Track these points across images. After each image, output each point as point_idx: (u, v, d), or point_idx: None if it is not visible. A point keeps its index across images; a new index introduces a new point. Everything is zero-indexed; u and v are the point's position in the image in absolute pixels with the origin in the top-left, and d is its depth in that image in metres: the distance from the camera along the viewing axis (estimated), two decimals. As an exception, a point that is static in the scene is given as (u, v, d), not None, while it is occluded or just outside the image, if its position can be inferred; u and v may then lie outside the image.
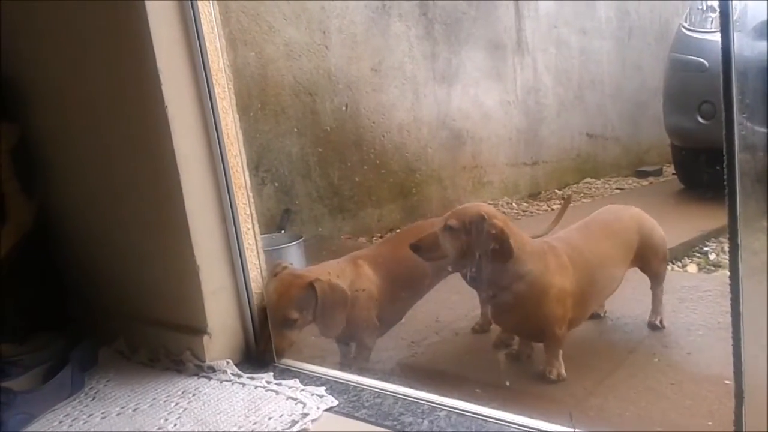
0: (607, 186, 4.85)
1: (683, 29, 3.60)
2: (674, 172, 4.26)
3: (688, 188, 4.02)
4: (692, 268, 2.70)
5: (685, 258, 2.79)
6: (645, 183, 4.87)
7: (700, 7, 3.53)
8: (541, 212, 4.11)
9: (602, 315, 2.00)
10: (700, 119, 3.36)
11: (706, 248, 2.86)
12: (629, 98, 5.50)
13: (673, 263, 2.73)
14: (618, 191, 4.68)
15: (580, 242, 1.76)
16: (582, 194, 4.59)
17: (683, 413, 1.50)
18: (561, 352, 1.65)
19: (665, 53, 3.93)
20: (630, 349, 1.83)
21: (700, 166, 3.72)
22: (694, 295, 2.17)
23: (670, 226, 3.19)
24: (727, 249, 0.97)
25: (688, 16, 3.59)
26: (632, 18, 5.53)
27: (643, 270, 1.91)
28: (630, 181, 4.96)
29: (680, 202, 4.00)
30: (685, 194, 4.03)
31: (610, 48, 5.40)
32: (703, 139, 3.39)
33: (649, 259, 1.88)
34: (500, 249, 1.57)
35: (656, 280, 1.93)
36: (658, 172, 4.99)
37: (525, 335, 1.75)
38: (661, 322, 1.91)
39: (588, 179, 5.03)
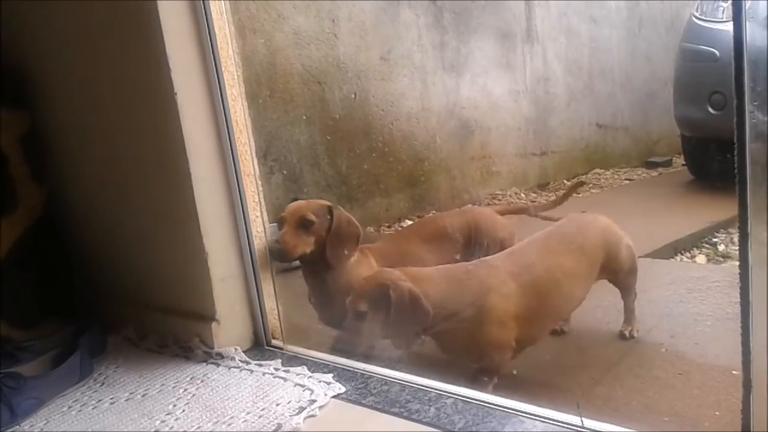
0: (616, 177, 4.84)
1: (694, 19, 3.57)
2: (684, 162, 4.25)
3: (698, 179, 4.01)
4: (701, 259, 2.69)
5: (694, 249, 2.78)
6: (654, 174, 4.86)
7: (711, -4, 3.51)
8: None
9: (564, 331, 1.91)
10: (710, 110, 3.34)
11: (715, 239, 2.85)
12: (639, 88, 5.48)
13: (682, 254, 2.73)
14: (627, 182, 4.67)
15: (534, 258, 1.68)
16: (591, 185, 4.58)
17: (690, 403, 1.50)
18: (495, 379, 1.54)
19: (676, 43, 3.91)
20: (637, 339, 1.83)
21: (710, 157, 3.71)
22: (703, 285, 2.16)
23: (679, 217, 3.20)
24: (736, 240, 0.96)
25: (699, 5, 3.56)
26: (642, 7, 5.50)
27: (611, 282, 1.85)
28: (639, 172, 4.95)
29: (690, 193, 3.99)
30: (694, 185, 4.01)
31: (621, 37, 5.37)
32: (713, 130, 3.38)
33: (616, 272, 1.82)
34: (415, 311, 1.49)
35: (625, 291, 1.86)
36: (668, 163, 4.98)
37: (468, 360, 1.64)
38: (631, 333, 1.84)
39: (597, 170, 5.01)
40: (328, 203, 1.73)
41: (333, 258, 1.69)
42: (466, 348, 1.57)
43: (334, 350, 1.66)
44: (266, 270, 1.71)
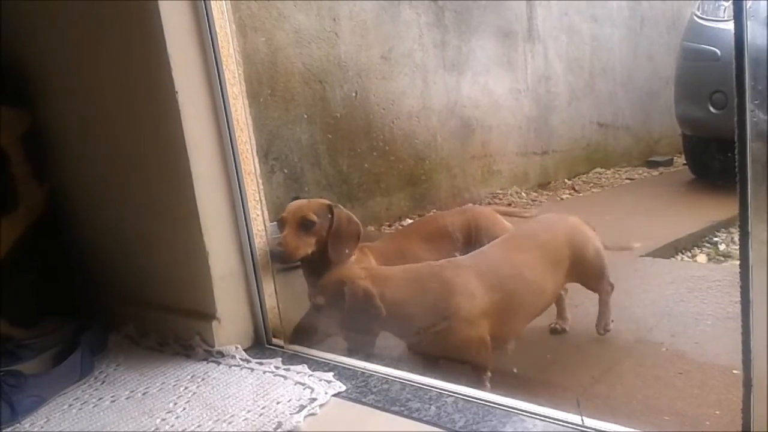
0: (617, 176, 4.83)
1: (696, 18, 3.57)
2: (685, 162, 4.24)
3: (699, 178, 4.00)
4: (702, 258, 2.69)
5: (695, 248, 2.78)
6: (655, 173, 4.85)
7: (712, -5, 3.50)
8: (550, 202, 4.11)
9: (565, 329, 1.92)
10: (711, 109, 3.33)
11: (715, 238, 2.85)
12: (640, 87, 5.47)
13: (683, 253, 2.73)
14: (628, 181, 4.66)
15: (500, 257, 1.70)
16: (592, 184, 4.58)
17: (691, 402, 1.50)
18: (489, 374, 1.55)
19: (677, 42, 3.91)
20: (638, 338, 1.83)
21: (711, 156, 3.70)
22: (703, 285, 2.16)
23: (680, 216, 3.20)
24: (736, 239, 0.96)
25: (700, 4, 3.56)
26: (644, 6, 5.49)
27: (582, 284, 1.85)
28: (640, 171, 4.94)
29: (690, 192, 3.98)
30: (695, 184, 4.01)
31: (622, 36, 5.36)
32: (714, 129, 3.38)
33: (584, 274, 1.81)
34: (368, 309, 1.52)
35: (597, 291, 1.85)
36: (669, 162, 4.97)
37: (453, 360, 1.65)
38: (605, 328, 1.83)
39: (598, 169, 5.00)
40: (329, 202, 1.73)
41: (335, 256, 1.69)
42: (442, 349, 1.58)
43: (296, 333, 1.69)
44: (267, 268, 1.71)
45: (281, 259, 1.68)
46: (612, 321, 1.83)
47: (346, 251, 1.71)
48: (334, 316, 1.58)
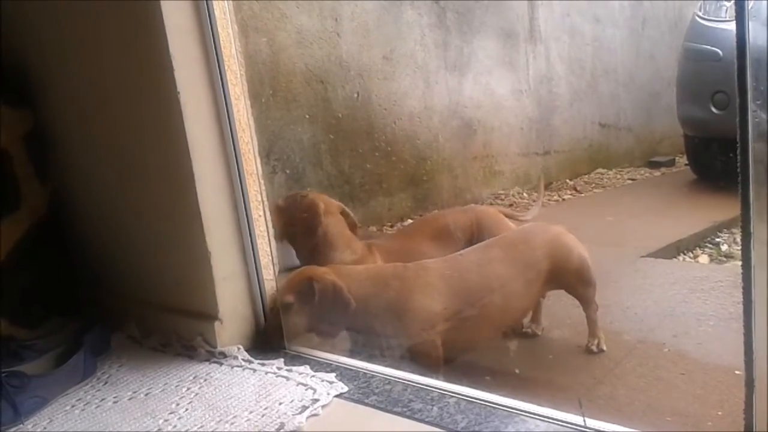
0: (619, 176, 4.83)
1: (697, 18, 3.57)
2: (687, 162, 4.24)
3: (701, 179, 4.00)
4: (704, 258, 2.69)
5: (697, 249, 2.78)
6: (657, 173, 4.86)
7: (714, -5, 3.51)
8: (552, 202, 4.11)
9: (538, 333, 1.94)
10: (713, 109, 3.34)
11: (718, 239, 2.85)
12: (642, 88, 5.47)
13: (685, 254, 2.73)
14: (630, 182, 4.66)
15: (471, 263, 1.72)
16: (594, 185, 4.58)
17: (693, 403, 1.50)
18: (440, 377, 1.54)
19: (679, 42, 3.91)
20: (640, 338, 1.83)
21: (713, 157, 3.70)
22: (706, 285, 2.16)
23: (682, 217, 3.20)
24: (738, 240, 0.96)
25: (702, 5, 3.56)
26: (646, 7, 5.49)
27: (567, 292, 1.84)
28: (642, 172, 4.94)
29: (692, 193, 3.99)
30: (697, 185, 4.01)
31: (624, 37, 5.36)
32: (716, 129, 3.38)
33: (569, 283, 1.81)
34: (337, 301, 1.58)
35: (584, 303, 1.84)
36: (671, 163, 4.98)
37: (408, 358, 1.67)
38: (598, 345, 1.80)
39: (600, 169, 5.00)
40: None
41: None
42: (400, 347, 1.61)
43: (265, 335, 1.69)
44: (269, 269, 1.71)
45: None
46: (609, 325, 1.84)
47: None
48: (303, 313, 1.62)
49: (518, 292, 1.73)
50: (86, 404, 1.48)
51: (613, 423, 1.17)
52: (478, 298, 1.65)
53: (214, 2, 1.56)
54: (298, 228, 1.88)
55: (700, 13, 3.55)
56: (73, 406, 1.48)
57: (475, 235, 1.98)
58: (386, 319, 1.58)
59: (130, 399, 1.48)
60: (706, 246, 2.80)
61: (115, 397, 1.49)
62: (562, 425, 1.18)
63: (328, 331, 1.63)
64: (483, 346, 1.76)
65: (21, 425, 1.42)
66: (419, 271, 1.66)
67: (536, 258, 1.76)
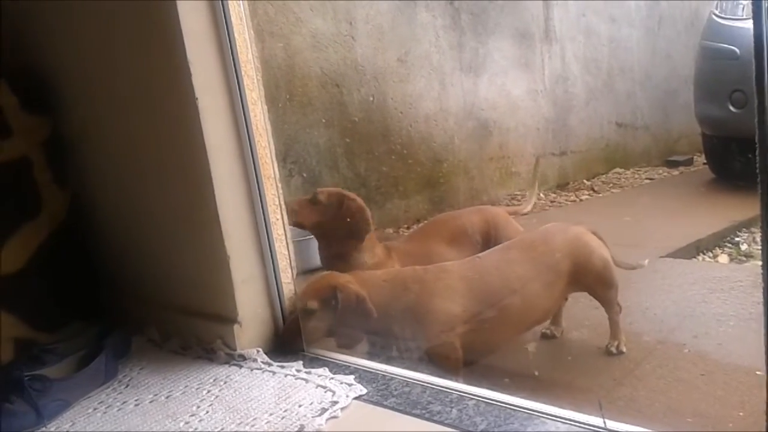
0: (636, 176, 4.80)
1: (714, 16, 3.55)
2: (705, 161, 4.21)
3: (720, 178, 3.97)
4: (723, 258, 2.67)
5: (716, 248, 2.76)
6: (675, 173, 4.82)
7: (731, -7, 3.48)
8: (569, 203, 4.09)
9: (557, 335, 1.93)
10: (731, 108, 3.31)
11: (737, 239, 2.83)
12: (659, 87, 5.43)
13: (704, 254, 2.71)
14: (648, 181, 4.63)
15: (492, 265, 1.71)
16: (611, 184, 4.55)
17: (714, 404, 1.49)
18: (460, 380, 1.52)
19: (696, 41, 3.89)
20: (660, 339, 1.82)
21: (732, 156, 3.68)
22: (725, 285, 2.15)
23: (701, 217, 3.18)
24: (758, 240, 0.95)
25: (719, 3, 3.54)
26: (662, 6, 5.46)
27: (590, 294, 1.83)
28: (660, 171, 4.91)
29: (711, 192, 3.95)
30: (716, 184, 3.98)
31: (640, 36, 5.33)
32: (734, 128, 3.36)
33: (590, 284, 1.79)
34: (360, 312, 1.59)
35: (606, 305, 1.82)
36: (689, 162, 4.94)
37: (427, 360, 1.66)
38: (618, 348, 1.79)
39: (617, 169, 4.98)
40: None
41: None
42: (419, 350, 1.61)
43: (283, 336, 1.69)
44: (287, 272, 1.72)
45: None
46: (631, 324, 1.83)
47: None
48: (325, 319, 1.62)
49: (539, 293, 1.71)
50: (108, 407, 1.50)
51: (634, 425, 1.16)
52: (498, 300, 1.64)
53: (230, 8, 1.57)
54: (338, 229, 1.86)
55: (717, 12, 3.52)
56: (94, 409, 1.50)
57: (491, 236, 1.98)
58: (406, 322, 1.58)
59: (151, 402, 1.49)
60: (726, 246, 2.78)
61: (136, 400, 1.51)
62: (582, 427, 1.18)
63: (348, 341, 1.64)
64: (503, 348, 1.76)
65: (44, 428, 1.44)
66: (439, 273, 1.66)
67: (557, 259, 1.74)
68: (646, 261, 1.97)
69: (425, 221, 3.61)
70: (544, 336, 1.91)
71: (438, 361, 1.57)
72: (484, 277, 1.66)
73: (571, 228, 1.84)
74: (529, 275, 1.70)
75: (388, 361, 1.55)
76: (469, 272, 1.65)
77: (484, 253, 1.79)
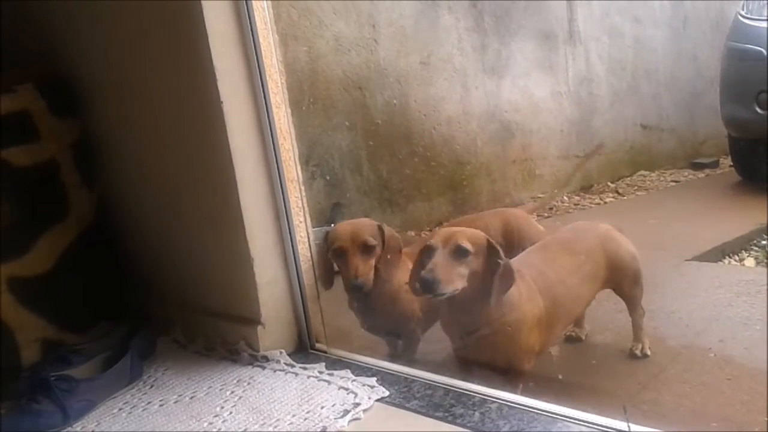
0: (662, 179, 4.75)
1: (740, 17, 3.51)
2: (731, 164, 4.16)
3: (746, 180, 3.92)
4: (750, 262, 2.64)
5: (743, 251, 2.73)
6: (701, 175, 4.76)
7: (757, -6, 3.44)
8: (593, 206, 4.06)
9: (582, 338, 1.91)
10: (758, 109, 3.27)
11: (764, 242, 2.79)
12: (684, 88, 5.38)
13: (730, 257, 2.68)
14: (673, 184, 4.58)
15: (541, 264, 1.67)
16: (636, 187, 4.51)
17: (740, 408, 1.48)
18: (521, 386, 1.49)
19: (721, 42, 3.84)
20: (685, 343, 1.80)
21: (759, 158, 3.63)
22: (752, 289, 2.12)
23: (727, 220, 3.14)
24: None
25: (745, 3, 3.50)
26: (687, 6, 5.40)
27: (616, 292, 1.80)
28: (685, 174, 4.85)
29: (738, 195, 3.91)
30: (742, 186, 3.93)
31: (665, 37, 5.28)
32: (761, 130, 3.31)
33: (618, 281, 1.77)
34: (505, 289, 1.48)
35: (631, 303, 1.81)
36: (715, 164, 4.88)
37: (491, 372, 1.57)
38: (642, 351, 1.77)
39: (642, 172, 4.93)
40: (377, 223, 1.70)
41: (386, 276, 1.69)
42: (489, 354, 1.54)
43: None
44: (309, 274, 1.73)
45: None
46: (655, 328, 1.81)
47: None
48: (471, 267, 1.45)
49: (584, 289, 1.71)
50: (133, 407, 1.52)
51: (658, 429, 1.16)
52: (557, 298, 1.61)
53: (255, 13, 1.58)
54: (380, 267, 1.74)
55: (743, 12, 3.48)
56: (120, 409, 1.52)
57: (514, 239, 1.96)
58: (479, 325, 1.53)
59: (175, 402, 1.51)
60: (752, 249, 2.74)
61: (161, 401, 1.53)
62: (606, 430, 1.17)
63: (464, 327, 1.54)
64: (555, 343, 1.73)
65: (69, 428, 1.46)
66: (520, 275, 1.57)
67: (595, 254, 1.73)
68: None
69: (445, 224, 3.62)
70: (569, 339, 1.90)
71: (517, 364, 1.53)
72: (543, 275, 1.63)
73: (598, 225, 1.84)
74: (575, 270, 1.69)
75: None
76: (532, 272, 1.62)
77: (520, 254, 1.77)
